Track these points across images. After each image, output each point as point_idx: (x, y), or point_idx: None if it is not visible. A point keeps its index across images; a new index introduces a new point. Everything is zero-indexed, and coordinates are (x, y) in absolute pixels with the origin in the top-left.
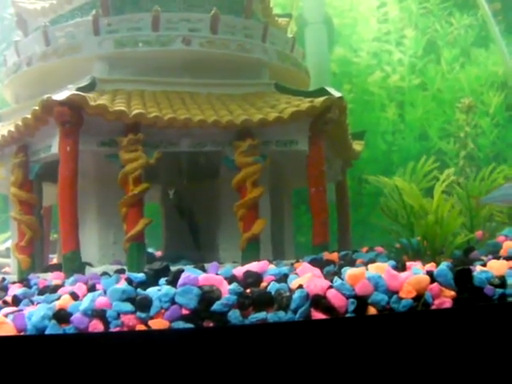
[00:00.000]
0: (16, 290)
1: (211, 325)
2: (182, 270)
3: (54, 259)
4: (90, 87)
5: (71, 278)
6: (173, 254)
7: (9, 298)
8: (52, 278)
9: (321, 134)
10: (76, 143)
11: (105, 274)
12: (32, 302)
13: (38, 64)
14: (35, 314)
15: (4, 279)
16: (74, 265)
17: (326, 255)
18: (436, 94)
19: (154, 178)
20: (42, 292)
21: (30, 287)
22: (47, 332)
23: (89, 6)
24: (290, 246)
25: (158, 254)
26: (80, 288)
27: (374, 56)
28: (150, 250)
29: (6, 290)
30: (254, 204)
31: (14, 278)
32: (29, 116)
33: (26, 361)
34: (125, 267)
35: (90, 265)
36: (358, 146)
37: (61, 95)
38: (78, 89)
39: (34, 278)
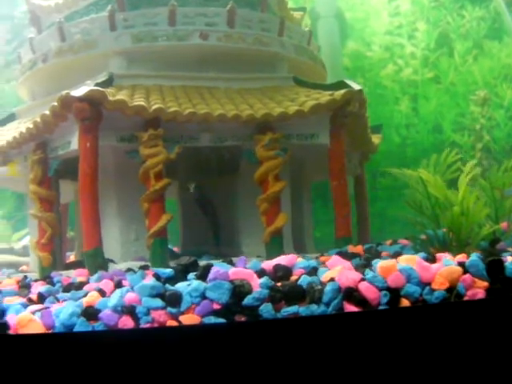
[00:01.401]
0: (39, 287)
1: (243, 319)
2: (211, 265)
3: (72, 257)
4: (107, 83)
5: (96, 275)
6: (194, 250)
7: (33, 296)
8: (75, 274)
9: (341, 127)
10: (96, 139)
11: (129, 270)
12: (57, 300)
13: (53, 60)
14: (63, 311)
15: (26, 277)
16: (97, 261)
17: (350, 248)
18: (449, 87)
19: (172, 173)
20: (66, 289)
21: (53, 284)
22: (76, 329)
23: (103, 2)
24: (310, 239)
25: (175, 249)
26: (107, 285)
27: (386, 49)
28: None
29: (28, 287)
30: (276, 198)
31: (34, 275)
32: (47, 112)
33: (57, 358)
34: (148, 263)
35: (113, 261)
36: (375, 139)
37: (79, 91)
38: (97, 84)
39: (57, 275)
